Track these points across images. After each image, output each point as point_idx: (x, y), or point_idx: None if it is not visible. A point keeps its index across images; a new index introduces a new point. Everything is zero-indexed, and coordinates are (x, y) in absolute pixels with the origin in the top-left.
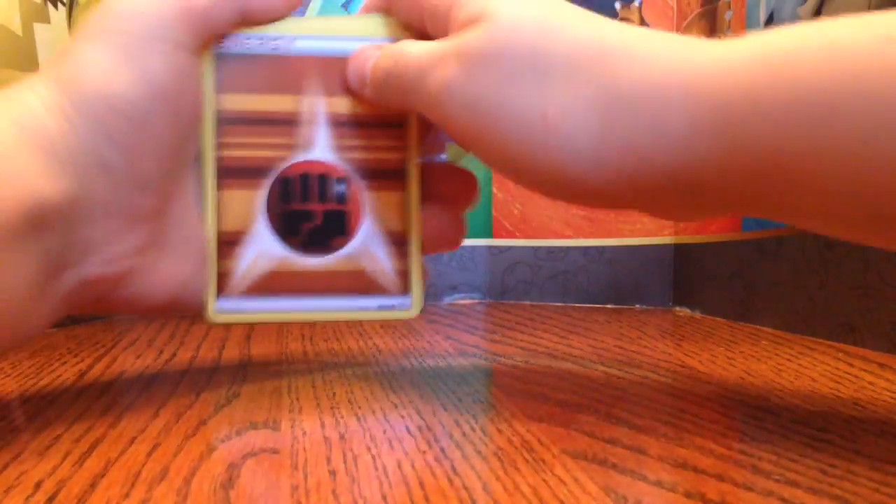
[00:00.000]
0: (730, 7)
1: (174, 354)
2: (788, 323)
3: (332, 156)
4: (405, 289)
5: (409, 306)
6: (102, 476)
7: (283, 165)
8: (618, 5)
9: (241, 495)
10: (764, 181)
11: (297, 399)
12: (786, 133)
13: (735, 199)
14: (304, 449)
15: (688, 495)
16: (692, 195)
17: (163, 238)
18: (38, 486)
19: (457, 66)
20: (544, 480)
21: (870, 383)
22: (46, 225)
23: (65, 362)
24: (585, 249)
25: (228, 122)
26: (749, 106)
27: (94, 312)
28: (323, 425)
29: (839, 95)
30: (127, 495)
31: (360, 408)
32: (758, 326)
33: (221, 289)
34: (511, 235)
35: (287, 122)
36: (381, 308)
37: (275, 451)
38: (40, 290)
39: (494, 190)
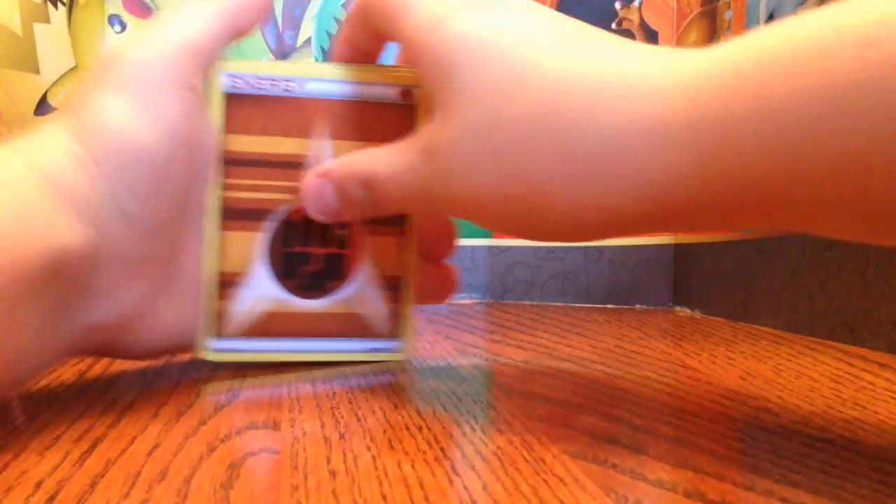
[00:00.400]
0: (730, 7)
1: (174, 354)
2: (788, 323)
3: None
4: (397, 333)
5: (401, 350)
6: (102, 476)
7: (287, 209)
8: (618, 5)
9: (241, 495)
10: (754, 207)
11: (297, 399)
12: (768, 163)
13: (728, 223)
14: (304, 449)
15: (688, 495)
16: (681, 224)
17: (170, 281)
18: (38, 486)
19: (429, 171)
20: (544, 480)
21: (870, 383)
22: (62, 274)
23: (65, 362)
24: (585, 249)
25: (234, 163)
26: (723, 139)
27: (94, 356)
28: (323, 425)
29: (821, 118)
30: (127, 495)
31: (360, 408)
32: (758, 326)
33: (219, 329)
34: (511, 235)
35: (293, 166)
36: (373, 351)
37: (275, 451)
38: (45, 334)
39: None
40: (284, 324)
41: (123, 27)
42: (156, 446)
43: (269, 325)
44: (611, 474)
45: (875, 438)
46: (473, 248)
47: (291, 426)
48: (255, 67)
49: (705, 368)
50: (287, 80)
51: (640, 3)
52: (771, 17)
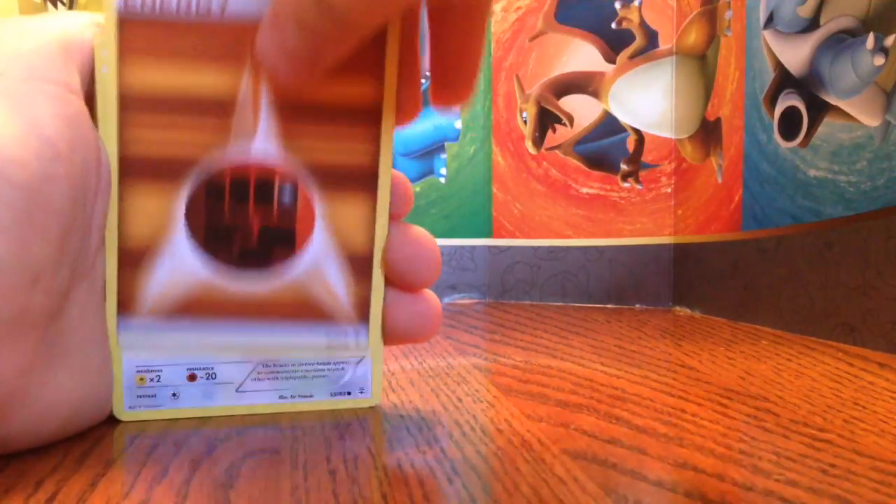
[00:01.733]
0: (730, 7)
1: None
2: (788, 323)
3: (277, 152)
4: (362, 318)
5: (365, 339)
6: (102, 476)
7: (211, 163)
8: (618, 5)
9: (241, 495)
10: None
11: None
12: None
13: None
14: (304, 449)
15: (688, 495)
16: None
17: (56, 345)
18: (38, 485)
19: None
20: (544, 480)
21: (870, 383)
22: None
23: None
24: (585, 249)
25: (137, 103)
26: None
27: None
28: (323, 425)
29: None
30: (127, 495)
31: (360, 407)
32: (758, 326)
33: (129, 307)
34: (511, 235)
35: (217, 106)
36: (330, 343)
37: (275, 451)
38: None
39: (494, 190)
40: (213, 310)
41: None
42: (156, 446)
43: (193, 312)
44: (611, 474)
45: (875, 438)
46: (473, 247)
47: (291, 426)
48: None
49: (705, 368)
50: None
51: (640, 3)
52: (770, 18)
